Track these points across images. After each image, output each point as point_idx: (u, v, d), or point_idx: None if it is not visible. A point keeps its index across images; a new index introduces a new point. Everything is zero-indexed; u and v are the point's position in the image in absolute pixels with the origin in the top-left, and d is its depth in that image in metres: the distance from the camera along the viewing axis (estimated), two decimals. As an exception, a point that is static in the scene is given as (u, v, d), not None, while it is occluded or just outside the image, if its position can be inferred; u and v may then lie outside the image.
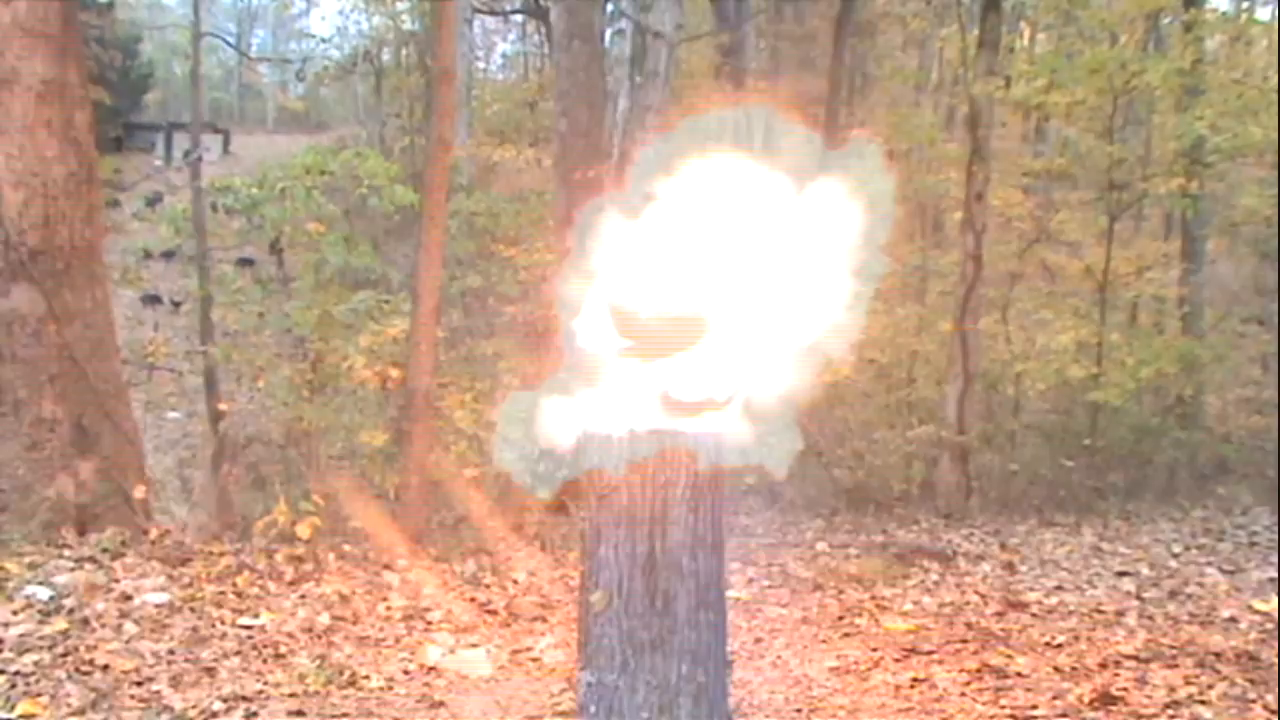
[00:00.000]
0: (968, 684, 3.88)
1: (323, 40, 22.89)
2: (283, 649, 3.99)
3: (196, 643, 3.97)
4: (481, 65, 22.60)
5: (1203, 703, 3.74)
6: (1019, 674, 4.00)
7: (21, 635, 3.89)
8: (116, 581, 4.56)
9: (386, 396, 7.42)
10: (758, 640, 4.31)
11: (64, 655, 3.77)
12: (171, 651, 3.88)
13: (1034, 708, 3.69)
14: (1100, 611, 4.85)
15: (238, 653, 3.92)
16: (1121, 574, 5.57)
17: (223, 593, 4.52)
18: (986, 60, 9.00)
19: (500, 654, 4.03)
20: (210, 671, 3.74)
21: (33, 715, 3.33)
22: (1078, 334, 10.18)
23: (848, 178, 2.91)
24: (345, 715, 3.51)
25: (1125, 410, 9.35)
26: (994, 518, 7.50)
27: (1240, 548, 6.35)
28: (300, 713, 3.48)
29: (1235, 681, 3.92)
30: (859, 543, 6.21)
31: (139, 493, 5.47)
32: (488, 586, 4.98)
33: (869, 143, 7.63)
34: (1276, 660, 4.10)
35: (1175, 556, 6.07)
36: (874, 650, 4.22)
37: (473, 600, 4.74)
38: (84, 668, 3.69)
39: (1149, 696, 3.78)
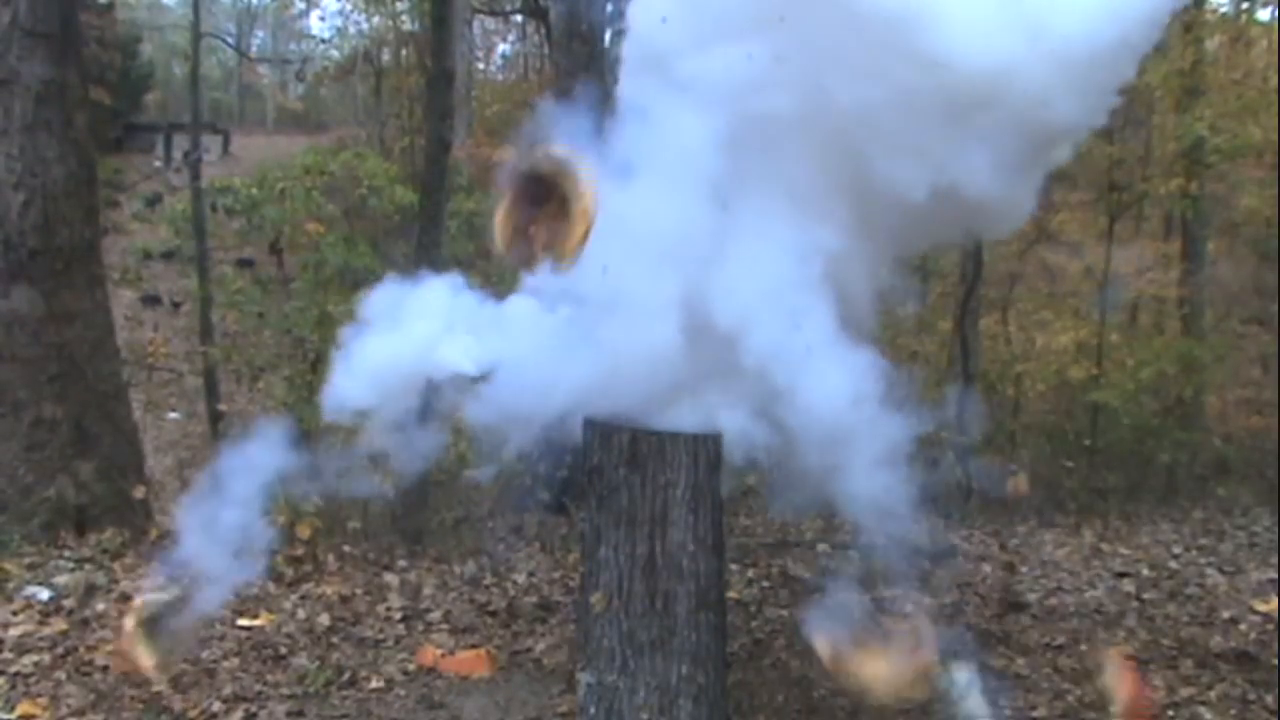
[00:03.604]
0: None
1: (322, 41, 22.88)
2: (283, 649, 3.99)
3: (196, 643, 3.97)
4: (481, 65, 22.61)
5: (1203, 703, 3.74)
6: (1019, 675, 4.00)
7: (21, 635, 3.90)
8: (116, 582, 4.56)
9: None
10: (757, 641, 4.31)
11: (64, 655, 3.77)
12: (171, 652, 3.88)
13: (1034, 708, 3.69)
14: (1100, 613, 4.85)
15: (238, 653, 3.92)
16: (1121, 575, 5.55)
17: (222, 593, 4.52)
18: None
19: (500, 654, 4.03)
20: (210, 672, 3.74)
21: (33, 715, 3.33)
22: (1078, 334, 10.19)
23: None
24: (345, 715, 3.51)
25: (1125, 410, 9.35)
26: (994, 518, 7.49)
27: (1240, 548, 6.34)
28: (300, 713, 3.49)
29: (1235, 682, 3.92)
30: (859, 543, 6.20)
31: (139, 493, 5.47)
32: (488, 587, 4.97)
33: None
34: (1276, 660, 4.10)
35: (1175, 557, 6.05)
36: (873, 650, 4.21)
37: (472, 601, 4.74)
38: (84, 668, 3.70)
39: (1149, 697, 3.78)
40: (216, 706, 3.46)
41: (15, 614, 4.11)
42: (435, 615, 4.48)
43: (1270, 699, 3.76)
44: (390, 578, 4.96)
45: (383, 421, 3.34)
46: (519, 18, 19.78)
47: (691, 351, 3.10)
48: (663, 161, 3.11)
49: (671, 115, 3.14)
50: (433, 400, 3.45)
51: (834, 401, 2.91)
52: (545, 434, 3.20)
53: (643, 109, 3.21)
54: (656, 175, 3.10)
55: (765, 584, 5.25)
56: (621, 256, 3.06)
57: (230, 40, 23.75)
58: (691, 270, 3.07)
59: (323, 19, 51.38)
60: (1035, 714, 3.66)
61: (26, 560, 4.73)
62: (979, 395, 9.45)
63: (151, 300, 15.66)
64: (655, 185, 3.10)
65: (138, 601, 3.29)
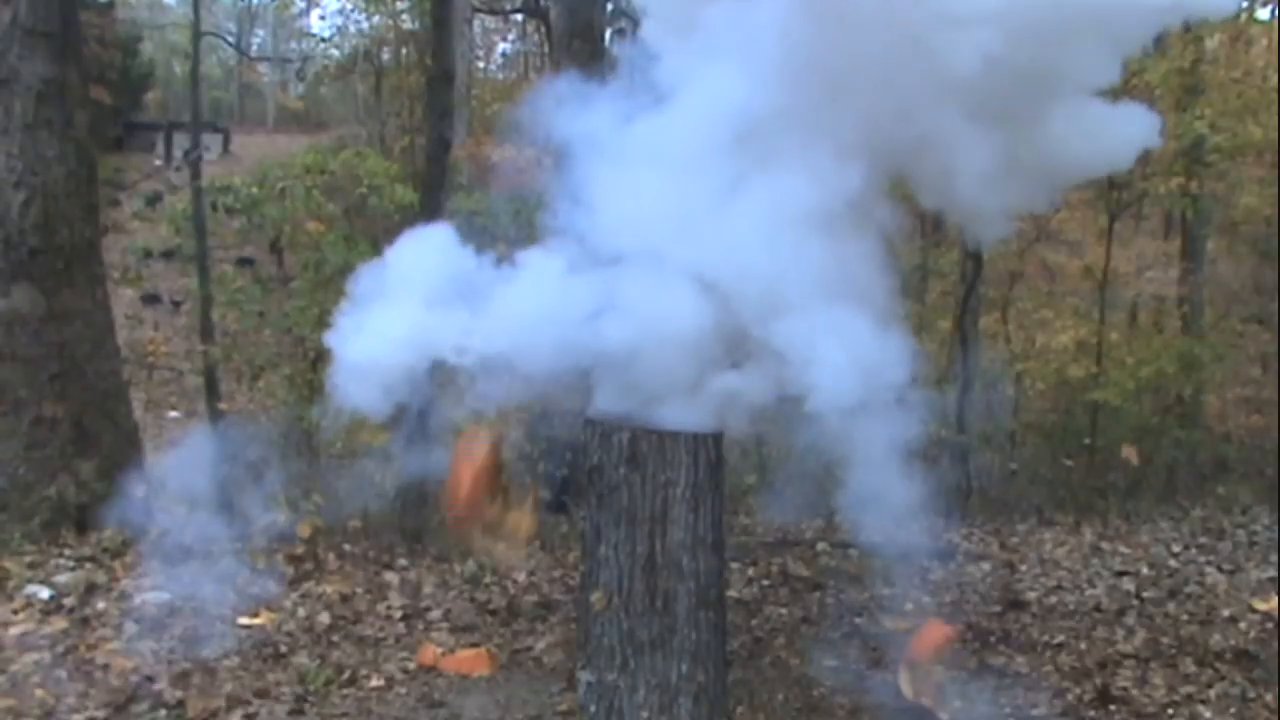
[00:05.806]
0: (968, 684, 3.88)
1: (323, 40, 22.84)
2: (283, 649, 3.99)
3: (196, 643, 3.97)
4: (481, 65, 22.60)
5: (1203, 702, 3.74)
6: (1019, 674, 4.01)
7: (21, 635, 3.90)
8: (116, 581, 4.56)
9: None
10: (758, 640, 4.31)
11: (64, 655, 3.77)
12: (171, 651, 3.88)
13: (1034, 707, 3.69)
14: (1100, 611, 4.85)
15: (238, 653, 3.92)
16: (1121, 573, 5.55)
17: (222, 593, 4.52)
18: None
19: (500, 653, 4.03)
20: (210, 671, 3.74)
21: (33, 715, 3.33)
22: (1078, 333, 10.19)
23: None
24: (345, 714, 3.51)
25: (1125, 410, 9.34)
26: (994, 517, 7.49)
27: (1240, 547, 6.34)
28: (300, 711, 3.49)
29: (1235, 681, 3.92)
30: (859, 542, 6.20)
31: (139, 492, 5.47)
32: (488, 585, 4.97)
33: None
34: (1276, 660, 4.11)
35: (1175, 556, 6.05)
36: (873, 650, 4.22)
37: (473, 599, 4.74)
38: (84, 667, 3.70)
39: (1149, 696, 3.79)
40: (216, 705, 3.46)
41: (16, 612, 4.11)
42: (435, 614, 4.48)
43: (1270, 697, 3.77)
44: (390, 576, 4.96)
45: (385, 416, 3.32)
46: (519, 17, 19.80)
47: (714, 315, 3.08)
48: (685, 117, 3.12)
49: (701, 66, 3.15)
50: (433, 389, 3.43)
51: (843, 368, 2.90)
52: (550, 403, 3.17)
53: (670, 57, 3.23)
54: (680, 128, 3.10)
55: (765, 582, 5.25)
56: (644, 219, 3.06)
57: (230, 39, 23.75)
58: (710, 229, 3.06)
59: (323, 18, 51.51)
60: (1035, 712, 3.66)
61: (27, 559, 4.73)
62: (979, 394, 9.45)
63: (152, 299, 15.69)
64: (679, 139, 3.10)
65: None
